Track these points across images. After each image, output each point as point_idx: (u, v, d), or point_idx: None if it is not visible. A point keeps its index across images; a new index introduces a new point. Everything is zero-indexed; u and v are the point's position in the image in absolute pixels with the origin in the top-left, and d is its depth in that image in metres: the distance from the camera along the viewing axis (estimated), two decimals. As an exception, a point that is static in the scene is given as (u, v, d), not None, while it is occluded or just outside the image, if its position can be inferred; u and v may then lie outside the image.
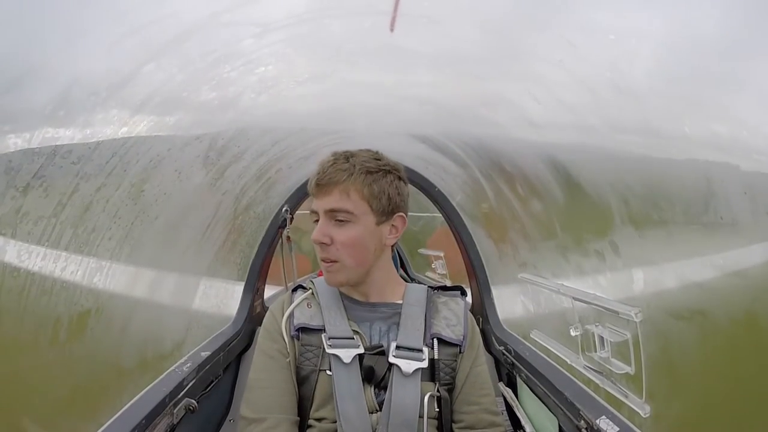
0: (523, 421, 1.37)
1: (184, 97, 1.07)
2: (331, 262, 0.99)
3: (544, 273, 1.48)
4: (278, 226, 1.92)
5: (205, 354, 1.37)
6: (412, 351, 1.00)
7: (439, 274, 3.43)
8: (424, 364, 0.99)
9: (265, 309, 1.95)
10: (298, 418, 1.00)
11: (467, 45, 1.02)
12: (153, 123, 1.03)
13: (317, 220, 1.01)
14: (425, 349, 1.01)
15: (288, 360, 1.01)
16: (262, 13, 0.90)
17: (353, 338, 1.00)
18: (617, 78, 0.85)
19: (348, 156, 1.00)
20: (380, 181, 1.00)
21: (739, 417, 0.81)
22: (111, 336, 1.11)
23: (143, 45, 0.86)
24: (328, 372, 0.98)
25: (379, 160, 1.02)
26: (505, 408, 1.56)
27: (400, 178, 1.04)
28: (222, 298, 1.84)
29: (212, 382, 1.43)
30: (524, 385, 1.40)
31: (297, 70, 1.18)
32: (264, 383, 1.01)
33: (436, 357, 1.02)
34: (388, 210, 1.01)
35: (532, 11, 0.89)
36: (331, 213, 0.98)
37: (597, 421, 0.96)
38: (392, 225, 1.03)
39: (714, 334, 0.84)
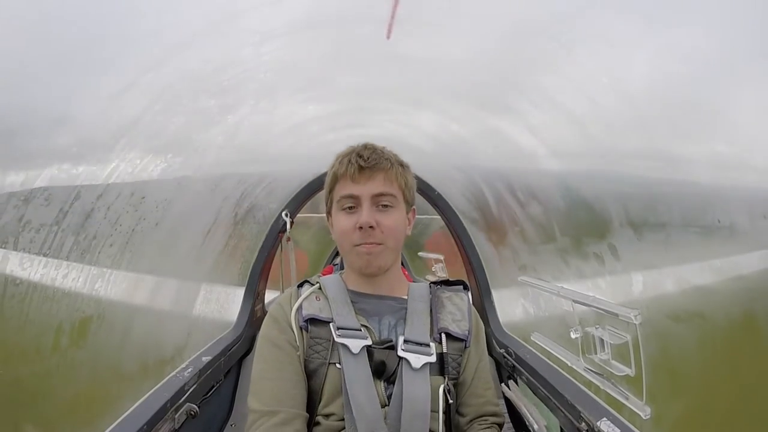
0: (525, 423, 1.37)
1: (184, 104, 1.07)
2: (376, 244, 1.00)
3: (544, 276, 1.48)
4: (278, 230, 1.92)
5: (206, 359, 1.37)
6: (420, 345, 1.00)
7: (439, 277, 3.43)
8: (432, 358, 0.99)
9: (265, 313, 1.95)
10: (308, 415, 0.97)
11: (465, 51, 1.03)
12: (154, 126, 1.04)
13: (349, 207, 1.01)
14: (432, 344, 1.01)
15: (298, 353, 0.99)
16: (260, 21, 0.91)
17: (361, 330, 1.00)
18: (616, 87, 0.86)
19: (376, 147, 1.04)
20: (407, 173, 1.06)
21: (739, 418, 0.82)
22: (113, 342, 1.11)
23: (142, 55, 0.86)
24: (338, 365, 0.96)
25: (395, 155, 1.07)
26: (506, 410, 1.56)
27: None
28: (223, 303, 1.84)
29: (213, 387, 1.43)
30: (525, 388, 1.40)
31: (296, 77, 1.19)
32: (272, 374, 0.97)
33: (444, 351, 1.02)
34: (411, 200, 1.07)
35: (534, 18, 0.90)
36: (377, 198, 1.00)
37: (598, 423, 0.96)
38: (408, 216, 1.08)
39: (713, 336, 0.84)
